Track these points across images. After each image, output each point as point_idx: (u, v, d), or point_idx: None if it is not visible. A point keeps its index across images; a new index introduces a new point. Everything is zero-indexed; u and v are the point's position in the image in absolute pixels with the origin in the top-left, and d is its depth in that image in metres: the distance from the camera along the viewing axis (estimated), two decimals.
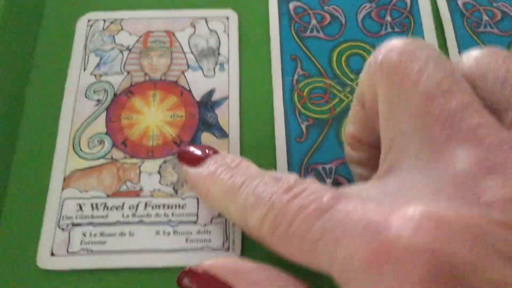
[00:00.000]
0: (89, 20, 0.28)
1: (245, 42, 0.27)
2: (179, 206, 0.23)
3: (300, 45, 0.26)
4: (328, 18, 0.27)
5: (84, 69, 0.26)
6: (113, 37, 0.27)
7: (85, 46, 0.27)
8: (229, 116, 0.25)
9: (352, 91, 0.25)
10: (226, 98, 0.25)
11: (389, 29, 0.27)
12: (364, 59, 0.26)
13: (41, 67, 0.27)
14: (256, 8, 0.28)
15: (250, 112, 0.25)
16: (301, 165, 0.23)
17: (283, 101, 0.25)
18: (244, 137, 0.25)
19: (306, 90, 0.25)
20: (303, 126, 0.24)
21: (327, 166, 0.23)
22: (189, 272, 0.17)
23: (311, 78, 0.25)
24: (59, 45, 0.27)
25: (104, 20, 0.28)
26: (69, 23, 0.28)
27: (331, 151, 0.23)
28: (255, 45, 0.27)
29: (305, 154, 0.23)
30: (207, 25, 0.27)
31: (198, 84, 0.26)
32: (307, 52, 0.26)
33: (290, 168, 0.23)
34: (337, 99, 0.25)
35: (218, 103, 0.25)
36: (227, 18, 0.28)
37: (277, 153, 0.23)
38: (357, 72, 0.25)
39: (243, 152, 0.24)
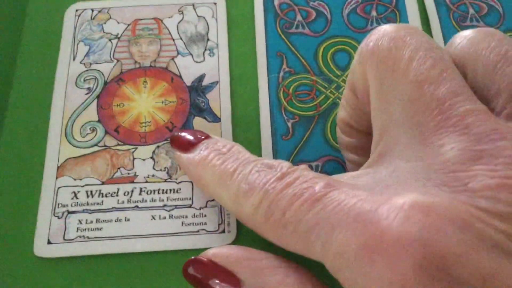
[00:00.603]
0: (77, 10, 0.27)
1: (234, 26, 0.27)
2: (173, 190, 0.23)
3: (285, 42, 0.26)
4: (314, 14, 0.27)
5: (74, 58, 0.26)
6: (102, 26, 0.27)
7: (74, 35, 0.27)
8: (220, 100, 0.25)
9: (338, 88, 0.25)
10: (217, 82, 0.25)
11: (375, 24, 0.27)
12: (350, 55, 0.26)
13: (29, 58, 0.27)
14: None
15: (241, 95, 0.25)
16: None
17: (269, 99, 0.25)
18: (236, 120, 0.25)
19: (292, 87, 0.25)
20: (289, 124, 0.24)
21: (314, 164, 0.23)
22: (194, 261, 0.17)
23: (297, 75, 0.25)
24: (47, 35, 0.27)
25: (92, 10, 0.27)
26: (57, 13, 0.27)
27: (317, 148, 0.23)
28: (243, 29, 0.27)
29: (291, 152, 0.23)
30: (195, 11, 0.27)
31: (188, 69, 0.26)
32: (293, 49, 0.26)
33: None
34: (323, 96, 0.25)
35: (209, 87, 0.25)
36: (215, 3, 0.28)
37: (263, 151, 0.24)
38: (343, 69, 0.25)
39: (236, 135, 0.24)
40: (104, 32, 0.27)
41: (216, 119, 0.24)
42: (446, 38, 0.26)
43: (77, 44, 0.26)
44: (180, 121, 0.24)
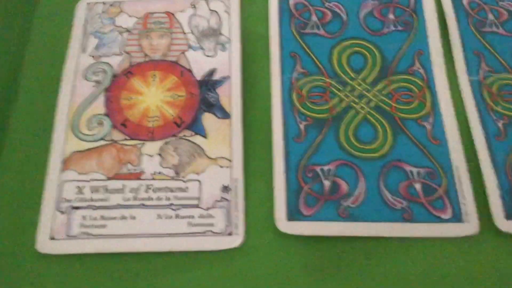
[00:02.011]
0: (88, 3, 0.27)
1: (247, 23, 0.27)
2: (180, 189, 0.22)
3: (300, 42, 0.25)
4: (329, 15, 0.26)
5: (83, 51, 0.25)
6: (113, 19, 0.27)
7: (84, 28, 0.26)
8: (231, 96, 0.24)
9: (352, 91, 0.24)
10: (228, 77, 0.24)
11: (392, 27, 0.26)
12: (365, 58, 0.25)
13: (39, 50, 0.26)
14: None
15: (252, 94, 0.25)
16: (299, 166, 0.22)
17: (282, 99, 0.24)
18: (246, 119, 0.24)
19: (305, 88, 0.24)
20: (302, 126, 0.23)
21: (326, 168, 0.22)
22: None
23: (311, 76, 0.24)
24: (58, 27, 0.27)
25: (104, 3, 0.27)
26: (68, 6, 0.27)
27: (330, 152, 0.23)
28: (257, 26, 0.26)
29: (303, 155, 0.22)
30: (208, 5, 0.27)
31: (199, 63, 0.25)
32: (307, 50, 0.25)
33: (288, 168, 0.22)
34: (337, 99, 0.24)
35: (219, 82, 0.24)
36: None
37: (274, 153, 0.23)
38: (358, 71, 0.24)
39: (246, 132, 0.23)
40: (115, 25, 0.26)
41: (226, 115, 0.24)
42: (465, 43, 0.25)
43: (88, 37, 0.26)
44: (189, 116, 0.24)
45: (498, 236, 0.21)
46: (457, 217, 0.21)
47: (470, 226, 0.21)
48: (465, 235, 0.21)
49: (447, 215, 0.21)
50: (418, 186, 0.22)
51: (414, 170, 0.22)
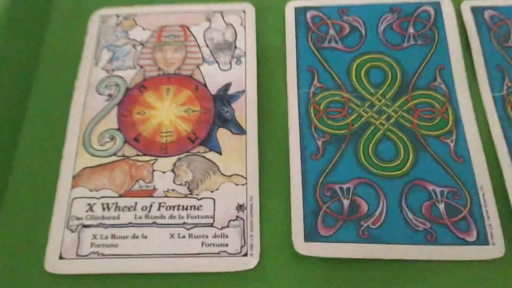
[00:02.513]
0: (102, 16, 0.27)
1: (263, 36, 0.26)
2: (194, 207, 0.21)
3: (317, 56, 0.25)
4: (347, 28, 0.26)
5: (96, 64, 0.25)
6: (127, 32, 0.26)
7: (98, 41, 0.26)
8: (246, 110, 0.23)
9: (371, 106, 0.23)
10: (243, 91, 0.24)
11: (411, 42, 0.25)
12: (385, 73, 0.24)
13: (51, 63, 0.26)
14: (273, 1, 0.27)
15: (268, 109, 0.24)
16: (317, 184, 0.21)
17: (299, 115, 0.23)
18: (262, 135, 0.23)
19: (323, 103, 0.23)
20: (319, 142, 0.22)
21: (345, 186, 0.21)
22: None
23: (329, 91, 0.24)
24: (71, 40, 0.26)
25: (118, 16, 0.27)
26: (81, 19, 0.27)
27: (349, 169, 0.22)
28: (273, 39, 0.26)
29: (321, 172, 0.22)
30: (223, 18, 0.26)
31: (213, 78, 0.24)
32: (325, 64, 0.24)
33: (305, 187, 0.21)
34: (356, 114, 0.23)
35: (235, 97, 0.24)
36: (244, 11, 0.26)
37: (291, 171, 0.22)
38: (377, 86, 0.24)
39: (261, 149, 0.23)
40: (129, 38, 0.26)
41: (242, 131, 0.23)
42: (487, 58, 0.24)
43: (101, 50, 0.26)
44: (203, 132, 0.23)
45: None
46: (482, 239, 0.20)
47: (495, 248, 0.20)
48: (491, 258, 0.20)
49: (472, 237, 0.20)
50: (441, 207, 0.21)
51: (437, 189, 0.21)
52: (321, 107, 0.23)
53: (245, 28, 0.26)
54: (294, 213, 0.21)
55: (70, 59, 0.26)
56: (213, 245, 0.20)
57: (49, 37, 0.27)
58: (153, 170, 0.22)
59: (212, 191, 0.21)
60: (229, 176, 0.22)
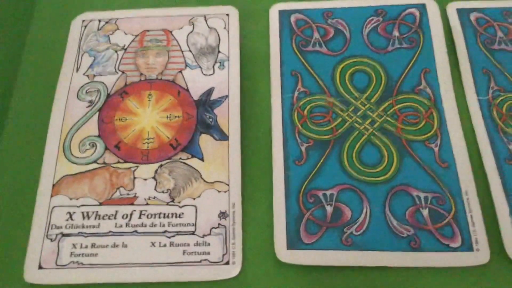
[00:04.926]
0: (83, 21, 0.26)
1: (247, 40, 0.26)
2: (175, 215, 0.21)
3: (301, 60, 0.24)
4: (332, 32, 0.25)
5: (77, 70, 0.25)
6: (108, 37, 0.26)
7: (79, 46, 0.25)
8: (229, 116, 0.23)
9: (356, 111, 0.23)
10: (226, 96, 0.24)
11: (396, 45, 0.25)
12: (369, 77, 0.24)
13: (31, 68, 0.25)
14: (257, 4, 0.27)
15: (251, 114, 0.24)
16: (300, 191, 0.21)
17: (282, 120, 0.23)
18: (245, 141, 0.23)
19: (307, 108, 0.23)
20: (303, 148, 0.22)
21: (328, 192, 0.21)
22: None
23: (313, 95, 0.23)
24: (51, 45, 0.26)
25: (99, 20, 0.26)
26: (62, 24, 0.26)
27: (332, 175, 0.21)
28: (256, 43, 0.26)
29: (304, 178, 0.21)
30: (206, 22, 0.26)
31: (196, 83, 0.24)
32: (309, 68, 0.24)
33: (288, 193, 0.21)
34: (340, 119, 0.23)
35: (217, 102, 0.24)
36: (227, 14, 0.26)
37: (274, 177, 0.22)
38: (362, 91, 0.23)
39: (244, 156, 0.22)
40: (110, 43, 0.26)
41: (224, 137, 0.23)
42: (473, 61, 0.24)
43: (82, 55, 0.25)
44: (185, 138, 0.23)
45: (510, 264, 0.20)
46: (466, 246, 0.20)
47: (480, 255, 0.20)
48: (475, 265, 0.20)
49: (456, 243, 0.20)
50: (425, 212, 0.21)
51: (422, 195, 0.21)
52: (305, 112, 0.23)
53: (228, 32, 0.26)
54: (276, 220, 0.21)
55: (51, 64, 0.25)
56: (195, 253, 0.20)
57: (30, 42, 0.26)
58: (134, 178, 0.22)
59: (194, 198, 0.21)
60: (212, 183, 0.21)
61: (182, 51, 0.25)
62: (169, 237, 0.20)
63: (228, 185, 0.21)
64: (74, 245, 0.20)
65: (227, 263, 0.20)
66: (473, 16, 0.26)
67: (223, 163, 0.22)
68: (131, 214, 0.21)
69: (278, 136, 0.23)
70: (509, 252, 0.20)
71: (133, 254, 0.20)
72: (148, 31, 0.26)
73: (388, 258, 0.20)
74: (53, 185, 0.22)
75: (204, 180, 0.22)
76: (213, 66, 0.25)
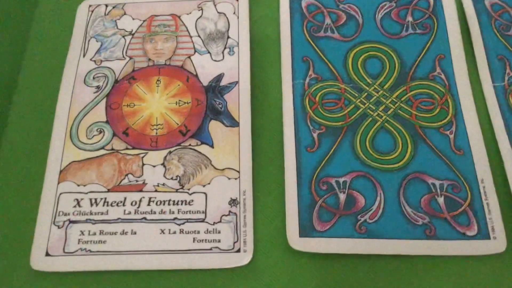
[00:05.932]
0: (90, 6, 0.26)
1: (257, 26, 0.25)
2: (185, 202, 0.20)
3: (313, 46, 0.24)
4: (344, 17, 0.25)
5: (84, 55, 0.24)
6: (115, 22, 0.25)
7: (86, 31, 0.25)
8: (240, 102, 0.23)
9: (369, 97, 0.22)
10: (236, 82, 0.23)
11: (410, 30, 0.24)
12: (382, 62, 0.23)
13: (38, 54, 0.25)
14: None
15: (262, 101, 0.23)
16: (312, 178, 0.21)
17: (293, 106, 0.22)
18: (256, 127, 0.22)
19: (319, 95, 0.23)
20: (315, 135, 0.22)
21: (341, 180, 0.21)
22: None
23: (324, 82, 0.23)
24: (57, 31, 0.26)
25: (106, 5, 0.26)
26: (69, 9, 0.26)
27: (345, 162, 0.21)
28: (267, 29, 0.25)
29: (317, 166, 0.21)
30: (215, 7, 0.25)
31: (205, 68, 0.24)
32: (320, 54, 0.24)
33: (300, 180, 0.21)
34: (353, 106, 0.22)
35: (227, 88, 0.23)
36: None
37: (286, 164, 0.21)
38: (375, 77, 0.23)
39: (255, 142, 0.22)
40: (117, 28, 0.25)
41: (234, 123, 0.22)
42: (488, 47, 0.24)
43: (89, 40, 0.25)
44: (194, 124, 0.22)
45: None
46: (483, 234, 0.20)
47: (497, 243, 0.20)
48: (492, 253, 0.19)
49: (473, 231, 0.20)
50: (441, 200, 0.20)
51: (437, 182, 0.21)
52: (317, 99, 0.23)
53: (238, 17, 0.25)
54: (288, 208, 0.20)
55: (57, 49, 0.25)
56: (205, 241, 0.20)
57: (36, 27, 0.26)
58: (143, 164, 0.21)
59: (204, 185, 0.21)
60: (222, 170, 0.21)
61: (191, 36, 0.25)
62: (178, 225, 0.20)
63: (239, 172, 0.21)
64: (82, 232, 0.20)
65: (238, 250, 0.19)
66: (487, 2, 0.25)
67: (233, 150, 0.21)
68: (140, 201, 0.20)
69: (290, 123, 0.22)
70: None
71: (142, 241, 0.20)
72: (156, 16, 0.25)
73: (402, 246, 0.19)
74: (60, 171, 0.21)
75: (214, 167, 0.21)
76: (223, 52, 0.24)
